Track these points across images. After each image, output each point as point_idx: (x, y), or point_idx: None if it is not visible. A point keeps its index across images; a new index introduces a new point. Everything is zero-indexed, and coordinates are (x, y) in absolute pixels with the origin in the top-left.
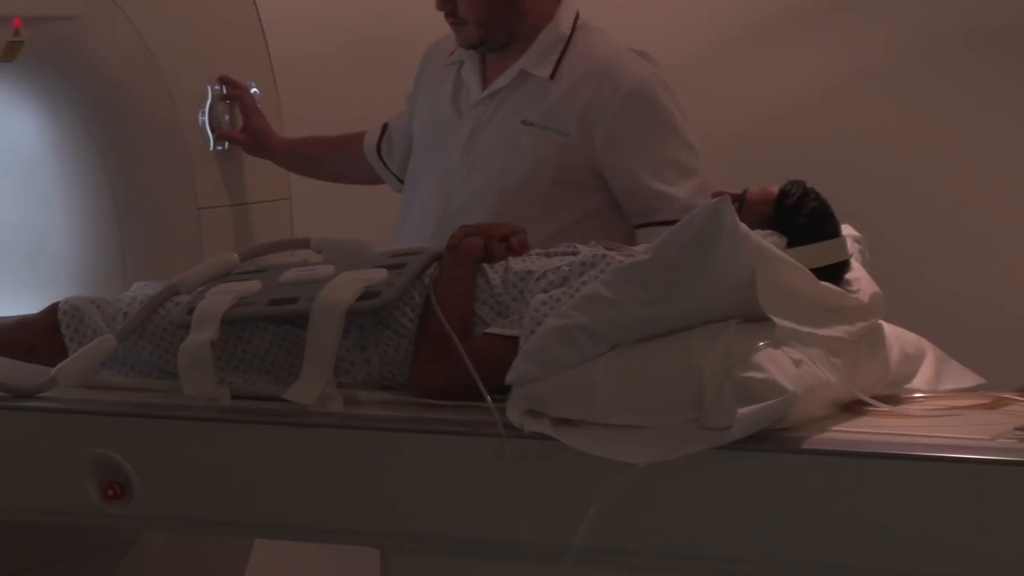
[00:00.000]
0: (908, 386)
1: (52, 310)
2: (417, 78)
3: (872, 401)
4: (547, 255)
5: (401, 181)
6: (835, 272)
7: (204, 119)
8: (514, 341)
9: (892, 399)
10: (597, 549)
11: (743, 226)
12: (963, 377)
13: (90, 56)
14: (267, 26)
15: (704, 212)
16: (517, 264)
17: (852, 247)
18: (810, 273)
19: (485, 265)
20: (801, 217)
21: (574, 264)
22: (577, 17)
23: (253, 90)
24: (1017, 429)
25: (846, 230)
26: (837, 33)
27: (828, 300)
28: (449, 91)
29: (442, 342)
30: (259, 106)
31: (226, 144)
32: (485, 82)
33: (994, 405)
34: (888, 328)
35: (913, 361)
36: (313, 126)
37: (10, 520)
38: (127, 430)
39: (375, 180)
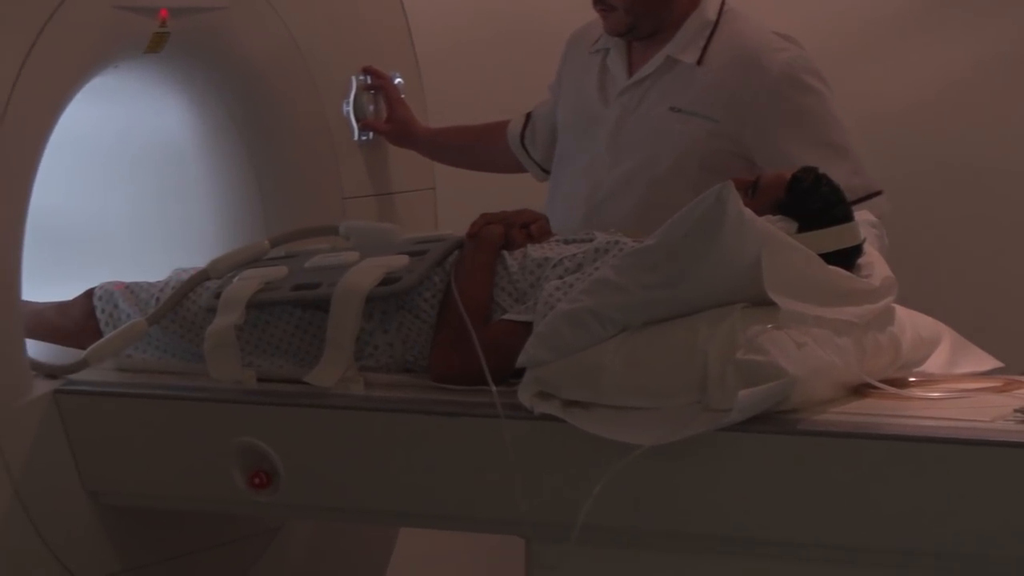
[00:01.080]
0: (921, 369)
1: (88, 295)
2: (561, 66)
3: (878, 383)
4: (565, 242)
5: (544, 170)
6: (847, 256)
7: (349, 109)
8: (529, 326)
9: (903, 382)
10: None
11: (748, 211)
12: (980, 361)
13: (236, 47)
14: (411, 16)
15: (708, 198)
16: (535, 251)
17: (868, 232)
18: (818, 258)
19: (504, 252)
20: (812, 202)
21: (589, 251)
22: (723, 3)
23: (397, 80)
24: (1016, 411)
25: (863, 215)
26: (979, 20)
27: (837, 284)
28: (595, 79)
29: (460, 328)
30: (403, 96)
31: (370, 134)
32: (631, 70)
33: (1005, 388)
34: (903, 312)
35: (928, 345)
36: (456, 116)
37: (160, 508)
38: (274, 419)
39: (518, 169)
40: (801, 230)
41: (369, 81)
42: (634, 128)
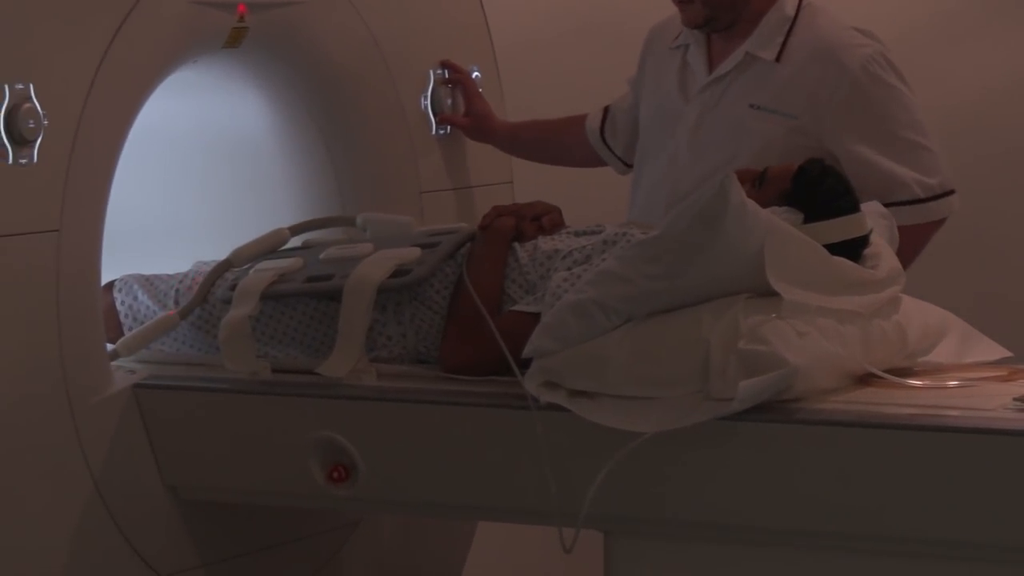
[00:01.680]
0: (929, 359)
1: (109, 288)
2: (641, 61)
3: (880, 373)
4: (576, 234)
5: (626, 164)
6: (853, 247)
7: (426, 103)
8: (538, 317)
9: (909, 371)
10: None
11: (750, 202)
12: (989, 350)
13: (313, 42)
14: (488, 9)
15: (711, 189)
16: (546, 243)
17: (878, 223)
18: (822, 248)
19: (516, 244)
20: (818, 193)
21: (597, 242)
22: None
23: (475, 74)
24: (1016, 399)
25: (872, 207)
26: None
27: (841, 274)
28: (675, 75)
29: (470, 319)
30: (480, 91)
31: (448, 128)
32: (711, 66)
33: (1010, 377)
34: (912, 302)
35: (935, 334)
36: (534, 110)
37: (240, 502)
38: (353, 413)
39: (596, 163)
40: (807, 221)
41: (447, 75)
42: (714, 126)
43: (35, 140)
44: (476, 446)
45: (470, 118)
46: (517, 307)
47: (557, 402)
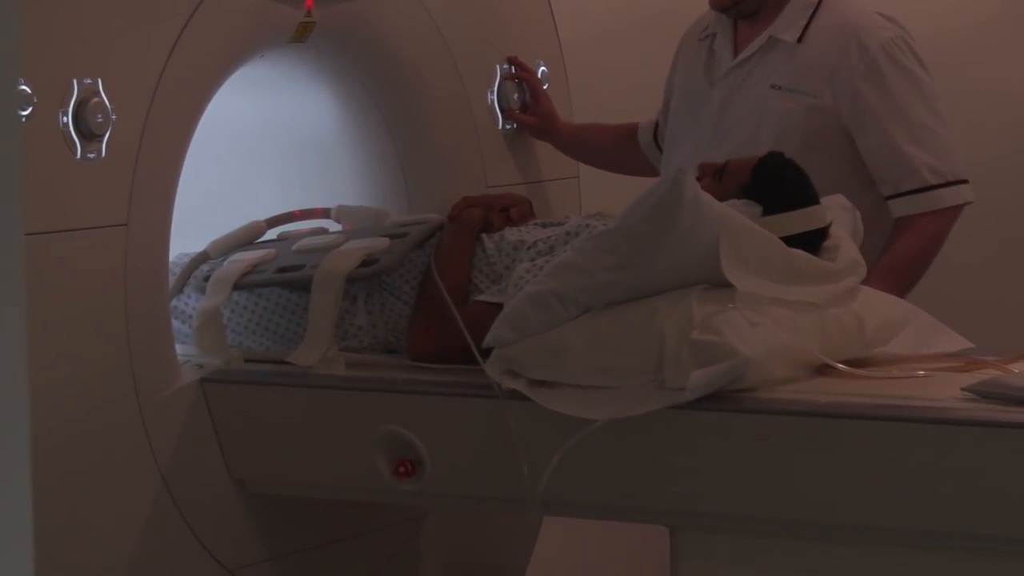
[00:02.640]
0: (886, 349)
1: None
2: (675, 59)
3: (835, 364)
4: (543, 225)
5: None
6: (812, 239)
7: (493, 99)
8: (501, 307)
9: (866, 362)
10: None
11: (705, 195)
12: (950, 342)
13: (380, 36)
14: (555, 4)
15: (665, 182)
16: (512, 234)
17: (840, 216)
18: (778, 240)
19: (483, 235)
20: (776, 186)
21: (560, 234)
22: None
23: (541, 69)
24: (963, 389)
25: (835, 200)
26: None
27: (797, 265)
28: (702, 63)
29: (436, 308)
30: (546, 87)
31: (514, 124)
32: (736, 51)
33: (966, 368)
34: (872, 293)
35: (895, 326)
36: (600, 105)
37: (306, 496)
38: (419, 407)
39: (652, 173)
40: (766, 213)
41: (513, 71)
42: (737, 108)
43: (103, 135)
44: (539, 442)
45: (535, 117)
46: (481, 297)
47: (518, 389)
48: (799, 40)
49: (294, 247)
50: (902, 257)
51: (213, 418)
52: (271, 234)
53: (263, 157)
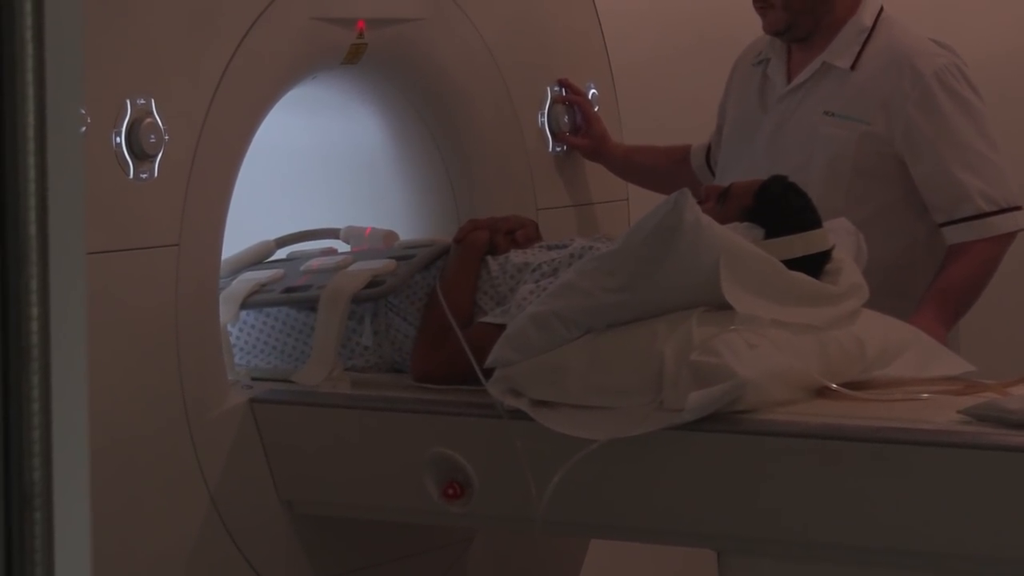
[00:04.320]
0: (887, 372)
1: None
2: (728, 84)
3: (835, 386)
4: (548, 248)
5: None
6: (814, 262)
7: (543, 120)
8: (504, 329)
9: (867, 384)
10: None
11: (705, 218)
12: (952, 365)
13: (432, 58)
14: (605, 26)
15: (666, 205)
16: (517, 256)
17: (844, 239)
18: (778, 263)
19: (488, 257)
20: (779, 209)
21: (564, 256)
22: (881, 10)
23: (591, 91)
24: (959, 412)
25: (839, 224)
26: None
27: (798, 288)
28: (755, 88)
29: (440, 329)
30: (596, 108)
31: (564, 145)
32: (790, 77)
33: (965, 391)
34: (874, 317)
35: (896, 349)
36: (651, 126)
37: (354, 517)
38: (468, 429)
39: None
40: (768, 236)
41: (564, 93)
42: (790, 134)
43: (156, 155)
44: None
45: (588, 139)
46: (485, 319)
47: (521, 408)
48: (853, 67)
49: (302, 267)
50: (954, 282)
51: (262, 439)
52: (280, 253)
53: (313, 178)
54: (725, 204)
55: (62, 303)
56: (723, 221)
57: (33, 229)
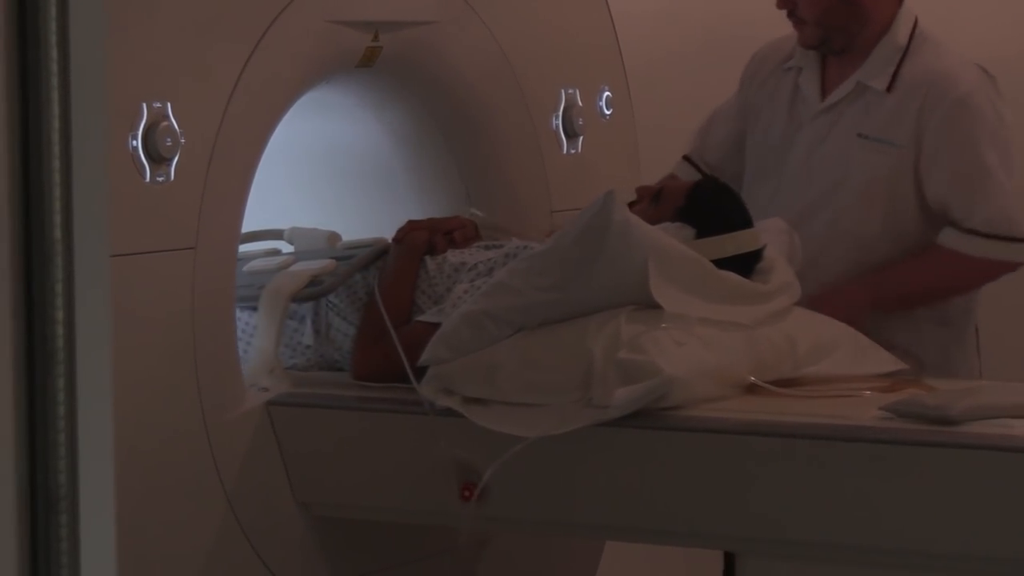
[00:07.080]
0: (817, 369)
1: None
2: (743, 86)
3: (760, 382)
4: (485, 248)
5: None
6: (745, 261)
7: (558, 123)
8: (440, 327)
9: (798, 381)
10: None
11: (634, 218)
12: (883, 362)
13: (446, 60)
14: (620, 29)
15: (594, 206)
16: (454, 256)
17: (778, 239)
18: (707, 262)
19: (427, 257)
20: (709, 209)
21: (499, 256)
22: (915, 27)
23: (606, 94)
24: (881, 408)
25: (772, 223)
26: None
27: (727, 287)
28: (785, 99)
29: (377, 329)
30: (610, 112)
31: (579, 147)
32: (824, 91)
33: (892, 388)
34: (806, 314)
35: (827, 347)
36: (665, 130)
37: (370, 519)
38: (483, 431)
39: None
40: (699, 236)
41: (577, 95)
42: (824, 155)
43: (172, 158)
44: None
45: None
46: (421, 318)
47: (452, 407)
48: (888, 88)
49: (246, 268)
50: (909, 275)
51: (279, 441)
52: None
53: (327, 181)
54: (658, 204)
55: (87, 306)
56: (655, 221)
57: (58, 233)
